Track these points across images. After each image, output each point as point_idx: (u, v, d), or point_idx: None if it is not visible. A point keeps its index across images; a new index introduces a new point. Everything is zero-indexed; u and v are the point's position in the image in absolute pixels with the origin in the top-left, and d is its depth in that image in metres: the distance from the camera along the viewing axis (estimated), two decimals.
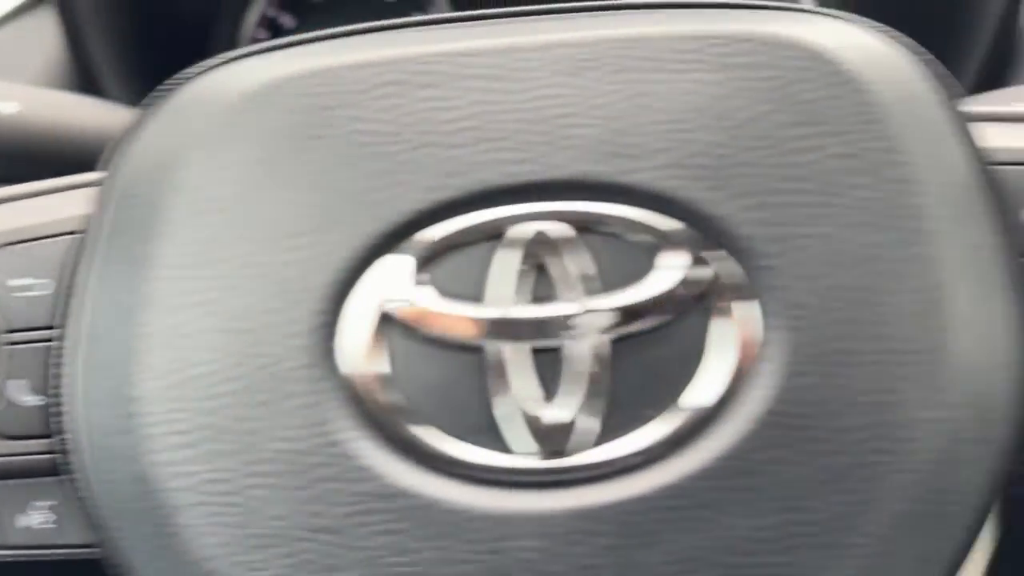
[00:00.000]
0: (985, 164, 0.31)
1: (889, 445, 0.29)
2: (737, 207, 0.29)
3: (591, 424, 0.30)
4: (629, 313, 0.30)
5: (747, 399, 0.29)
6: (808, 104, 0.30)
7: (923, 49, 0.33)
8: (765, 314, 0.29)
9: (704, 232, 0.30)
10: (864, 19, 0.34)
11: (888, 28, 0.34)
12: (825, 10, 0.34)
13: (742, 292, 0.30)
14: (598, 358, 0.30)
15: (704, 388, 0.30)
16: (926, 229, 0.29)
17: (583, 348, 0.30)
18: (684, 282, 0.30)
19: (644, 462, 0.29)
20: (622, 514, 0.29)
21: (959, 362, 0.29)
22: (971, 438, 0.29)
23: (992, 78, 0.74)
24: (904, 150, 0.30)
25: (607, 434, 0.30)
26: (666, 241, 0.30)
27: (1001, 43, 0.74)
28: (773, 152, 0.30)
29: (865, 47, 0.32)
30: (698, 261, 0.30)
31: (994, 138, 0.32)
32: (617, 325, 0.30)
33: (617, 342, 0.30)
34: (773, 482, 0.29)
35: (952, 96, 0.32)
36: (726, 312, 0.30)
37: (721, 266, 0.30)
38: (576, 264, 0.30)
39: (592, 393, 0.30)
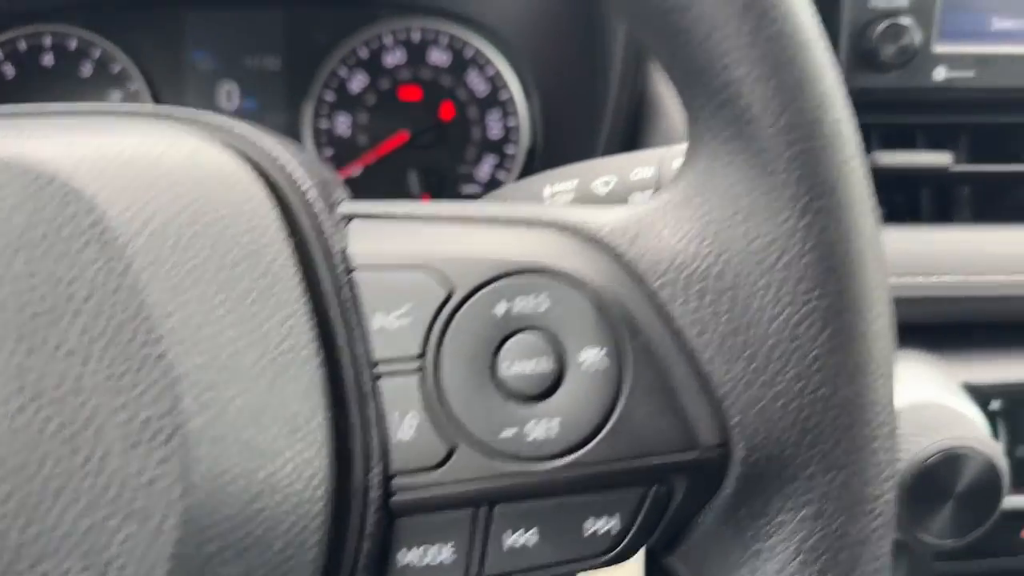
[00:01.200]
0: (323, 270, 0.31)
1: None
2: None
3: None
4: None
5: None
6: (22, 226, 0.28)
7: (289, 156, 0.32)
8: None
9: None
10: (222, 119, 0.33)
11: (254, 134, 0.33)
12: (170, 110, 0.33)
13: None
14: None
15: None
16: (139, 353, 0.28)
17: None
18: None
19: None
20: None
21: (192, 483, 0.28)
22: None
23: (626, 142, 0.75)
24: (134, 268, 0.28)
25: None
26: None
27: (627, 108, 0.74)
28: None
29: (150, 157, 0.30)
30: None
31: (361, 240, 0.32)
32: None
33: None
34: None
35: (327, 200, 0.32)
36: None
37: None
38: None
39: None
